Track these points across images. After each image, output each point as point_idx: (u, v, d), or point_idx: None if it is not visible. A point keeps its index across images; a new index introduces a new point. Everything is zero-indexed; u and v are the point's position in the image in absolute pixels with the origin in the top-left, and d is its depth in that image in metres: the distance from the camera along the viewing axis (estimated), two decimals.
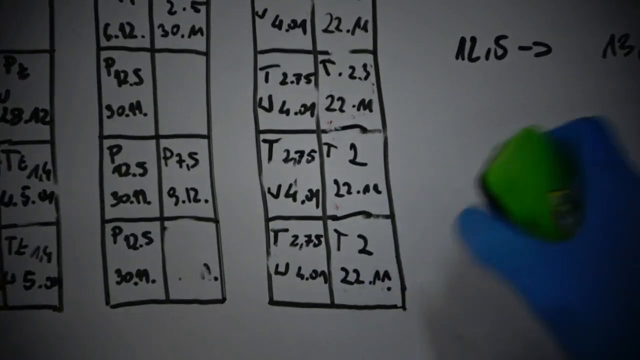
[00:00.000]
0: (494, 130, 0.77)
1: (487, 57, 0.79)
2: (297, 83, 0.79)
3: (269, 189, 0.79)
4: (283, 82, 0.79)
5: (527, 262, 0.60)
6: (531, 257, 0.60)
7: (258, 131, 0.79)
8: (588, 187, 0.61)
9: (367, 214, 0.79)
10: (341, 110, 0.79)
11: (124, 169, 0.79)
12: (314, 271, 0.79)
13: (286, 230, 0.79)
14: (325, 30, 0.79)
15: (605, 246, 0.52)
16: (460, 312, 0.78)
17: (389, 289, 0.79)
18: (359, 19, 0.79)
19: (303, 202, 0.79)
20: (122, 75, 0.80)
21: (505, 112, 0.78)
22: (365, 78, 0.79)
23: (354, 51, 0.79)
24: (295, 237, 0.79)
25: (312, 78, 0.79)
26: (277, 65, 0.79)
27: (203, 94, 0.79)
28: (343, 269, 0.79)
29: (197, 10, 0.80)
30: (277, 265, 0.79)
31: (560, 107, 0.78)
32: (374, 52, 0.79)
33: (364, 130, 0.79)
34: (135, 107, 0.79)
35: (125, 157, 0.79)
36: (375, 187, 0.79)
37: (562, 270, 0.58)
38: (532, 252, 0.60)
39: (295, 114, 0.79)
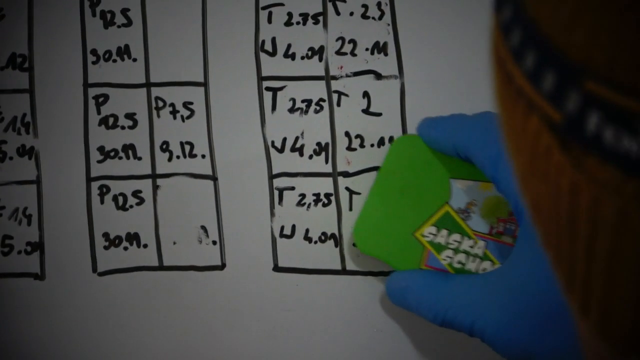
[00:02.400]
0: None
1: None
2: (304, 24, 0.74)
3: (272, 142, 0.75)
4: (288, 23, 0.74)
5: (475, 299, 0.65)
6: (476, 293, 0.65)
7: (260, 78, 0.75)
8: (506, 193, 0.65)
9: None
10: (353, 54, 0.74)
11: (111, 120, 0.75)
12: (324, 234, 0.74)
13: (292, 188, 0.74)
14: None
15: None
16: None
17: None
18: None
19: (311, 157, 0.74)
20: (108, 16, 0.75)
21: None
22: (380, 18, 0.74)
23: None
24: (302, 196, 0.74)
25: (320, 18, 0.74)
26: (281, 4, 0.75)
27: (199, 37, 0.75)
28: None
29: None
30: (282, 228, 0.74)
31: None
32: None
33: (378, 76, 0.74)
34: (124, 52, 0.75)
35: (112, 107, 0.75)
36: (391, 140, 0.74)
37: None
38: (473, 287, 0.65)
39: (302, 58, 0.74)
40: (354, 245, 0.72)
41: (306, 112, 0.74)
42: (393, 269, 0.69)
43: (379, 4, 0.74)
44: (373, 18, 0.74)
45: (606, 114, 0.33)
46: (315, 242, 0.74)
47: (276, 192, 0.74)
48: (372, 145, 0.74)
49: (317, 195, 0.74)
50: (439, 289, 0.66)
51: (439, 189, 0.69)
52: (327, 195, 0.74)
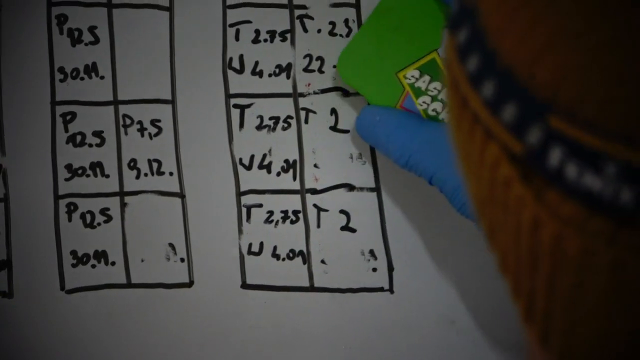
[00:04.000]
0: None
1: None
2: (272, 41, 0.74)
3: (240, 159, 0.74)
4: (255, 40, 0.74)
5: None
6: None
7: (228, 95, 0.75)
8: None
9: (350, 187, 0.75)
10: (320, 71, 0.75)
11: (79, 138, 0.75)
12: (291, 251, 0.74)
13: (260, 205, 0.74)
14: None
15: None
16: (453, 295, 0.75)
17: (374, 269, 0.74)
18: None
19: (279, 174, 0.74)
20: (76, 33, 0.75)
21: None
22: (347, 35, 0.74)
23: (335, 5, 0.75)
24: (270, 213, 0.74)
25: (288, 35, 0.74)
26: (249, 22, 0.74)
27: (166, 55, 0.75)
28: (323, 248, 0.75)
29: None
30: (250, 245, 0.74)
31: None
32: (357, 6, 0.74)
33: (346, 93, 0.74)
34: (91, 70, 0.75)
35: (80, 125, 0.75)
36: (359, 157, 0.74)
37: None
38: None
39: (270, 75, 0.74)
40: (333, 67, 0.72)
41: (274, 129, 0.74)
42: (368, 102, 0.69)
43: (346, 21, 0.74)
44: (340, 35, 0.74)
45: (569, 150, 0.32)
46: (284, 260, 0.74)
47: (244, 209, 0.74)
48: (339, 163, 0.74)
49: (285, 212, 0.74)
50: (411, 130, 0.66)
51: (431, 35, 0.68)
52: (295, 212, 0.74)
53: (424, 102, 0.68)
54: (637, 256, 0.33)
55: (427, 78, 0.68)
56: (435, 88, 0.68)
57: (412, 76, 0.68)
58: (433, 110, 0.68)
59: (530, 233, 0.35)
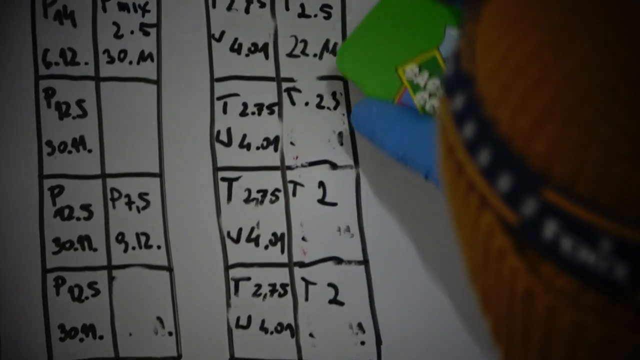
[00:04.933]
0: None
1: None
2: (259, 114, 0.74)
3: (228, 232, 0.74)
4: (243, 113, 0.74)
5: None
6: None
7: (216, 168, 0.74)
8: None
9: (338, 260, 0.74)
10: (307, 143, 0.74)
11: (66, 212, 0.75)
12: (280, 324, 0.74)
13: (248, 278, 0.74)
14: (290, 55, 0.74)
15: None
16: None
17: (362, 343, 0.74)
18: (327, 42, 0.74)
19: (266, 247, 0.74)
20: (63, 107, 0.75)
21: None
22: (335, 108, 0.74)
23: (322, 78, 0.74)
24: (258, 286, 0.74)
25: (276, 108, 0.74)
26: (237, 95, 0.74)
27: (154, 127, 0.74)
28: (311, 321, 0.74)
29: (147, 34, 0.74)
30: (238, 318, 0.74)
31: None
32: (344, 79, 0.74)
33: (333, 166, 0.74)
34: (79, 143, 0.75)
35: (68, 198, 0.75)
36: (347, 230, 0.74)
37: None
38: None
39: (257, 148, 0.74)
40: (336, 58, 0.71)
41: (262, 202, 0.74)
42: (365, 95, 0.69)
43: (334, 94, 0.74)
44: (328, 108, 0.74)
45: (564, 224, 0.32)
46: (272, 333, 0.74)
47: (232, 283, 0.74)
48: (327, 236, 0.74)
49: (273, 285, 0.74)
50: (407, 125, 0.66)
51: (433, 32, 0.68)
52: (283, 286, 0.74)
53: (421, 98, 0.68)
54: (629, 332, 0.33)
55: (426, 74, 0.68)
56: (434, 84, 0.68)
57: (412, 71, 0.68)
58: (431, 106, 0.68)
59: (523, 303, 0.35)
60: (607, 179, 0.31)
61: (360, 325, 0.74)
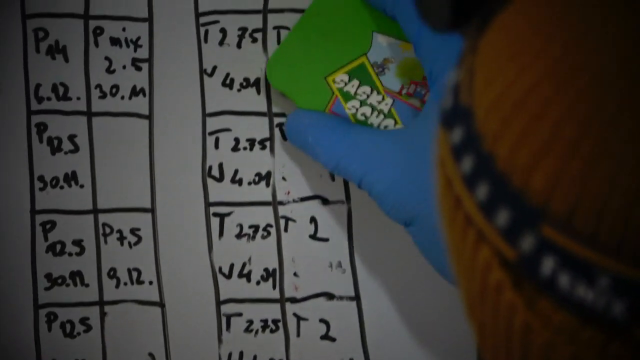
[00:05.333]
0: None
1: None
2: (251, 149, 0.74)
3: (220, 268, 0.74)
4: (235, 148, 0.74)
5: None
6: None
7: (207, 204, 0.74)
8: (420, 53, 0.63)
9: (330, 296, 0.74)
10: (300, 179, 0.74)
11: (58, 247, 0.74)
12: None
13: (240, 314, 0.74)
14: None
15: None
16: None
17: None
18: None
19: (258, 282, 0.74)
20: (55, 142, 0.74)
21: None
22: None
23: None
24: (250, 322, 0.74)
25: (268, 143, 0.74)
26: (228, 130, 0.74)
27: (146, 163, 0.74)
28: (303, 357, 0.74)
29: (139, 69, 0.74)
30: (230, 354, 0.74)
31: None
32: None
33: (325, 201, 0.74)
34: (71, 178, 0.74)
35: (60, 234, 0.74)
36: (339, 265, 0.74)
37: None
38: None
39: (249, 184, 0.74)
40: (266, 78, 0.71)
41: (253, 237, 0.74)
42: (297, 106, 0.69)
43: None
44: None
45: (562, 260, 0.32)
46: None
47: (224, 318, 0.74)
48: (319, 271, 0.74)
49: (265, 321, 0.74)
50: (339, 134, 0.66)
51: (360, 39, 0.68)
52: (275, 322, 0.74)
53: (352, 107, 0.68)
54: None
55: (355, 82, 0.68)
56: (364, 92, 0.68)
57: (342, 80, 0.68)
58: (362, 114, 0.68)
59: (521, 338, 0.34)
60: (605, 215, 0.31)
61: None
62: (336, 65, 0.68)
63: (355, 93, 0.68)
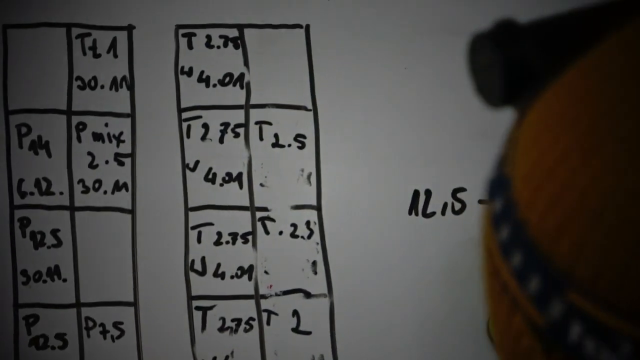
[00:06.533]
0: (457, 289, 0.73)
1: (443, 212, 0.74)
2: (233, 243, 0.74)
3: None
4: (217, 243, 0.74)
5: None
6: None
7: (190, 297, 0.74)
8: None
9: None
10: (282, 273, 0.75)
11: (41, 341, 0.74)
12: None
13: None
14: (264, 184, 0.74)
15: None
16: None
17: None
18: (301, 171, 0.74)
19: None
20: (38, 236, 0.75)
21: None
22: (309, 237, 0.74)
23: (296, 207, 0.75)
24: None
25: (250, 237, 0.74)
26: (211, 224, 0.74)
27: (128, 257, 0.75)
28: None
29: (121, 164, 0.75)
30: None
31: None
32: (318, 208, 0.74)
33: (307, 295, 0.74)
34: (54, 272, 0.75)
35: (42, 328, 0.74)
36: (322, 359, 0.74)
37: None
38: None
39: (232, 277, 0.74)
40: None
41: (236, 331, 0.74)
42: None
43: (307, 223, 0.74)
44: (302, 237, 0.74)
45: (588, 326, 0.33)
46: None
47: None
48: None
49: None
50: None
51: None
52: None
53: None
54: None
55: None
56: None
57: None
58: None
59: None
60: (623, 283, 0.32)
61: None
62: None
63: None
